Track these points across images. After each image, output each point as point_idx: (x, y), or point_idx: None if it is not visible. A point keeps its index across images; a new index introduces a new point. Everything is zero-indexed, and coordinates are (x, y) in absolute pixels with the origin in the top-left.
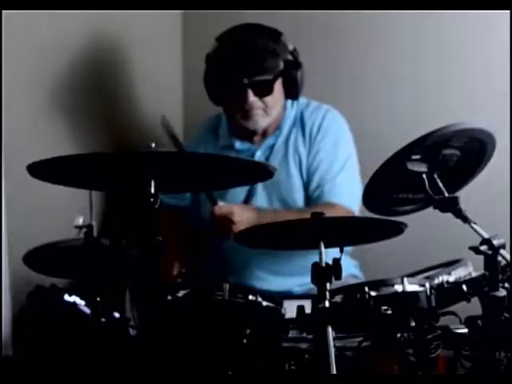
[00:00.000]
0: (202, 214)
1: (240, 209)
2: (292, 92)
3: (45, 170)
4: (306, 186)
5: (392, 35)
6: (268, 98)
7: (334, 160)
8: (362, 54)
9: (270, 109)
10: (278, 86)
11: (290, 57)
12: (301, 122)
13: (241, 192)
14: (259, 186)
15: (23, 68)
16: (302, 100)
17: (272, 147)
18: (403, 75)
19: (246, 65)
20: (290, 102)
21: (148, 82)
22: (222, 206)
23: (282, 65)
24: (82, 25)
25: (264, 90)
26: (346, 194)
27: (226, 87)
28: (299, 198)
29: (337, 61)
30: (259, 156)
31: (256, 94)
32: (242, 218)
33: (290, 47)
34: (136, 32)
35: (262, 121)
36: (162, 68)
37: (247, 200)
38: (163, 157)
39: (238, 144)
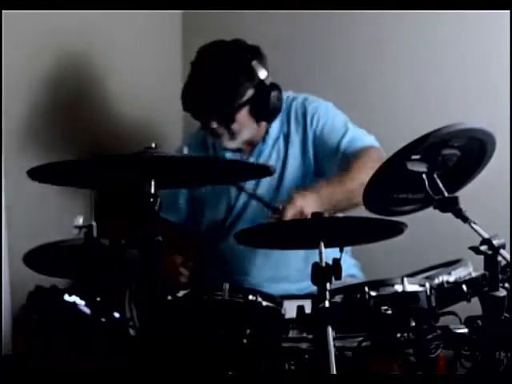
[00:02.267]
0: (201, 225)
1: (303, 198)
2: (261, 118)
3: (45, 175)
4: (321, 163)
5: (391, 35)
6: (232, 126)
7: (335, 127)
8: (360, 53)
9: (235, 134)
10: (245, 112)
11: (258, 84)
12: (287, 116)
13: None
14: (262, 193)
15: (19, 68)
16: (284, 95)
17: (262, 152)
18: (402, 75)
19: (204, 98)
20: None
21: (148, 82)
22: (288, 207)
23: (248, 94)
24: (80, 25)
25: (225, 120)
26: (364, 135)
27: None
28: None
29: (334, 60)
30: None
31: (218, 122)
32: (310, 206)
33: (262, 75)
34: (136, 32)
35: (228, 143)
36: (162, 68)
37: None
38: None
39: (228, 156)
